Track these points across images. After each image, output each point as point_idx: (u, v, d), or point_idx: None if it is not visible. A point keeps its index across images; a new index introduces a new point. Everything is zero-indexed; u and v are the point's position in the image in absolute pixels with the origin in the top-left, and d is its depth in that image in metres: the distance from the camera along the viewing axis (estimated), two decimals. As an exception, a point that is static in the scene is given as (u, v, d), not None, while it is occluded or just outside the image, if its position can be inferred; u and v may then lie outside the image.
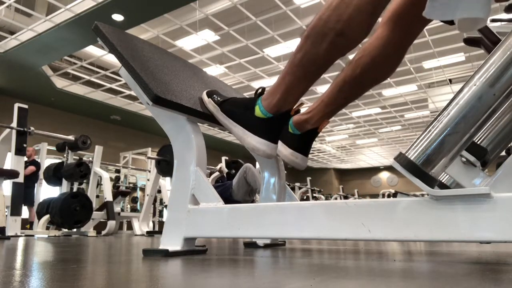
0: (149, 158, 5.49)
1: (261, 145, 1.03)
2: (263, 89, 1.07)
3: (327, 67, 0.93)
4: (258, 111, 1.02)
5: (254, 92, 1.07)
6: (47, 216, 4.47)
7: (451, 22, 0.83)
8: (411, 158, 0.77)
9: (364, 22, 0.84)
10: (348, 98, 1.16)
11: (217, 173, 6.36)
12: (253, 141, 1.04)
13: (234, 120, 1.09)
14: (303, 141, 1.22)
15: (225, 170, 5.02)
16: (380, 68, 1.09)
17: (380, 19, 1.02)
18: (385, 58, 1.07)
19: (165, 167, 5.10)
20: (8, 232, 3.63)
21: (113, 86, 9.73)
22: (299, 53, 0.93)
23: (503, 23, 1.43)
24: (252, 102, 1.05)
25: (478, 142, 1.34)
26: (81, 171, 5.00)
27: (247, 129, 1.05)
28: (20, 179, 3.93)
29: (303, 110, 1.22)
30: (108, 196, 5.46)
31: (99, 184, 7.57)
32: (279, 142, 1.20)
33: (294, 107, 1.06)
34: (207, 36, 7.66)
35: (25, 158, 4.51)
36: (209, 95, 1.23)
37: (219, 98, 1.18)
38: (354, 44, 0.90)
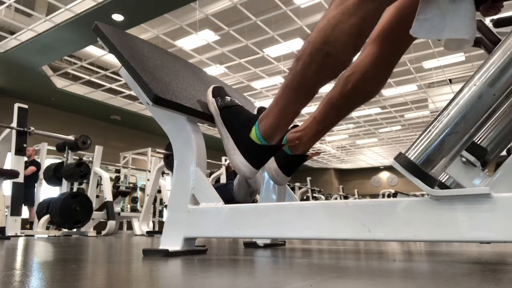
0: (158, 152, 5.46)
1: (244, 167, 1.04)
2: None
3: (318, 89, 0.94)
4: (253, 134, 1.03)
5: (255, 92, 1.07)
6: (47, 216, 4.47)
7: (438, 39, 0.84)
8: (411, 158, 0.77)
9: (350, 44, 0.85)
10: (339, 115, 1.17)
11: (218, 172, 6.37)
12: (238, 161, 1.05)
13: (229, 131, 1.09)
14: (290, 162, 1.23)
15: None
16: (370, 84, 1.11)
17: (369, 37, 1.04)
18: (376, 74, 1.09)
19: (173, 161, 5.11)
20: (8, 232, 3.63)
21: (113, 86, 9.73)
22: (291, 76, 0.94)
23: (503, 23, 1.43)
24: (252, 120, 1.05)
25: (478, 142, 1.34)
26: (81, 171, 5.00)
27: (238, 146, 1.06)
28: (20, 179, 3.93)
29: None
30: (108, 196, 5.46)
31: (99, 184, 7.57)
32: None
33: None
34: (207, 36, 7.66)
35: (25, 158, 4.51)
36: (214, 94, 1.21)
37: (222, 103, 1.17)
38: (342, 65, 0.92)
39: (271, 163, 1.23)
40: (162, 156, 5.19)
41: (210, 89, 1.24)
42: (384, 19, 1.04)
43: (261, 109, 1.09)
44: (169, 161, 5.16)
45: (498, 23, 1.18)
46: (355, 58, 0.98)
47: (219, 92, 1.22)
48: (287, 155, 1.22)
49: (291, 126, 1.13)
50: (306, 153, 1.22)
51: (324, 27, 0.86)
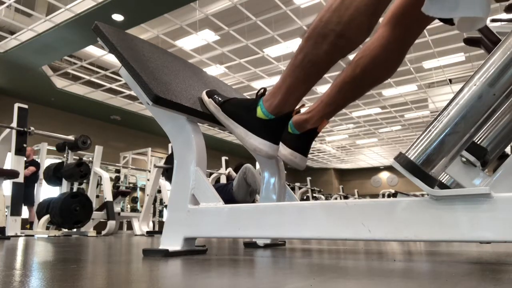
0: (156, 167, 5.51)
1: (263, 146, 1.03)
2: (265, 89, 1.07)
3: (328, 68, 0.93)
4: (260, 112, 1.02)
5: (255, 92, 1.07)
6: (47, 216, 4.47)
7: (451, 23, 0.82)
8: (411, 158, 0.77)
9: (364, 24, 0.84)
10: (348, 98, 1.16)
11: (218, 172, 6.37)
12: (256, 142, 1.04)
13: (236, 121, 1.09)
14: (302, 141, 1.22)
15: (234, 174, 5.05)
16: (380, 69, 1.09)
17: (381, 20, 1.02)
18: (385, 59, 1.07)
19: (172, 175, 5.14)
20: (8, 232, 3.63)
21: (113, 86, 9.73)
22: (300, 55, 0.92)
23: (503, 23, 1.43)
24: (254, 103, 1.05)
25: (478, 142, 1.34)
26: (81, 171, 5.00)
27: (249, 130, 1.05)
28: (20, 179, 3.93)
29: (303, 110, 1.22)
30: (108, 196, 5.46)
31: (99, 184, 7.57)
32: None
33: (296, 108, 1.06)
34: (207, 36, 7.66)
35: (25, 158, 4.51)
36: (209, 95, 1.22)
37: (220, 99, 1.17)
38: (354, 45, 0.90)
39: (284, 150, 1.22)
40: (162, 156, 5.21)
41: (204, 93, 1.25)
42: (397, 1, 1.02)
43: (260, 91, 1.07)
44: (168, 173, 5.18)
45: (510, 8, 1.17)
46: (365, 42, 0.97)
47: (213, 92, 1.24)
48: (296, 136, 1.21)
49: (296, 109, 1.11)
50: (316, 127, 1.20)
51: (337, 6, 0.84)
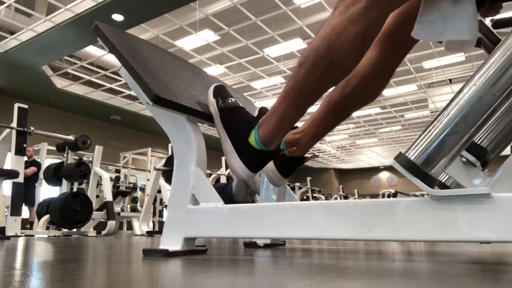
0: (156, 169, 5.51)
1: (240, 171, 1.04)
2: (267, 109, 1.07)
3: (320, 95, 0.94)
4: (252, 138, 1.02)
5: (255, 92, 1.07)
6: (47, 216, 4.47)
7: (440, 41, 0.84)
8: (411, 158, 0.77)
9: (354, 51, 0.85)
10: (338, 117, 1.17)
11: (218, 172, 6.37)
12: (236, 164, 1.04)
13: (228, 133, 1.08)
14: (288, 164, 1.23)
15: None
16: (371, 87, 1.11)
17: None
18: (375, 77, 1.09)
19: (171, 176, 5.15)
20: (8, 232, 3.63)
21: (113, 86, 9.73)
22: (293, 82, 0.93)
23: (503, 23, 1.43)
24: (252, 124, 1.04)
25: (478, 142, 1.34)
26: (81, 171, 5.00)
27: (236, 150, 1.05)
28: (20, 179, 3.93)
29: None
30: (108, 196, 5.46)
31: (99, 184, 7.57)
32: None
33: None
34: (207, 36, 7.66)
35: (25, 158, 4.51)
36: (216, 94, 1.20)
37: (222, 104, 1.15)
38: (346, 72, 0.91)
39: (269, 163, 1.22)
40: (162, 156, 5.22)
41: (212, 88, 1.22)
42: (385, 23, 1.04)
43: (262, 110, 1.08)
44: (167, 175, 5.18)
45: (497, 24, 1.18)
46: None
47: (220, 92, 1.20)
48: (285, 156, 1.22)
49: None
50: (304, 155, 1.22)
51: (328, 34, 0.85)
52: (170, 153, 5.79)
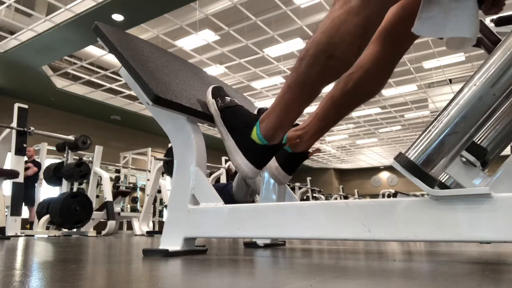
0: (156, 159, 5.50)
1: (245, 168, 1.04)
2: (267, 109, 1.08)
3: (321, 89, 0.94)
4: (254, 134, 1.02)
5: (255, 92, 1.07)
6: (47, 216, 4.47)
7: (441, 38, 0.84)
8: (411, 158, 0.77)
9: (354, 45, 0.85)
10: (340, 113, 1.17)
11: (218, 172, 6.37)
12: (240, 161, 1.04)
13: (230, 132, 1.09)
14: (291, 160, 1.23)
15: (233, 168, 5.05)
16: (372, 83, 1.11)
17: None
18: (376, 73, 1.09)
19: (172, 167, 5.14)
20: (8, 232, 3.63)
21: (113, 86, 9.73)
22: (294, 75, 0.93)
23: (503, 23, 1.43)
24: (253, 120, 1.05)
25: (478, 142, 1.34)
26: (81, 171, 5.00)
27: (239, 147, 1.05)
28: (20, 179, 3.93)
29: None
30: (108, 196, 5.46)
31: (99, 184, 7.57)
32: None
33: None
34: (207, 36, 7.66)
35: (26, 158, 4.51)
36: (214, 94, 1.20)
37: (222, 104, 1.16)
38: (346, 66, 0.91)
39: (272, 161, 1.22)
40: (162, 156, 5.23)
41: (210, 89, 1.23)
42: (386, 18, 1.04)
43: (261, 110, 1.08)
44: (168, 166, 5.18)
45: (500, 22, 1.18)
46: None
47: (219, 92, 1.21)
48: (287, 153, 1.21)
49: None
50: (307, 151, 1.22)
51: (328, 28, 0.85)
52: (170, 145, 5.76)
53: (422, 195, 0.86)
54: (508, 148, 1.46)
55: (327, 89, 1.12)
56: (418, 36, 0.93)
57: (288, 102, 0.97)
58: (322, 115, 1.15)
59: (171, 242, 1.09)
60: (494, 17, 1.36)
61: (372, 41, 1.07)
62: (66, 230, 4.72)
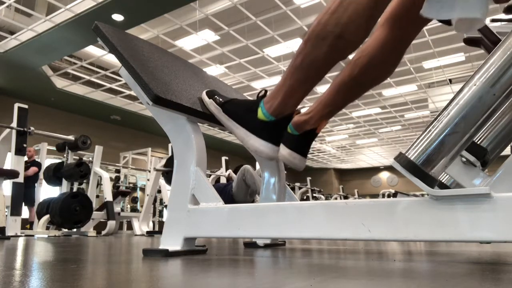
0: (156, 170, 5.51)
1: (264, 148, 1.05)
2: (266, 91, 1.08)
3: (328, 70, 0.94)
4: (260, 114, 1.04)
5: (255, 92, 1.08)
6: (47, 216, 4.47)
7: (448, 23, 0.83)
8: (411, 158, 0.77)
9: (362, 25, 0.85)
10: (347, 99, 1.16)
11: (218, 172, 6.37)
12: (256, 144, 1.06)
13: (237, 121, 1.11)
14: (301, 142, 1.22)
15: (234, 176, 5.05)
16: (378, 69, 1.09)
17: (378, 20, 1.02)
18: (383, 59, 1.07)
19: (172, 177, 5.17)
20: (8, 232, 3.63)
21: (113, 86, 9.73)
22: (300, 57, 0.94)
23: (503, 23, 1.43)
24: (255, 104, 1.06)
25: (478, 142, 1.34)
26: (81, 171, 5.00)
27: (250, 131, 1.07)
28: (20, 179, 3.93)
29: (303, 110, 1.22)
30: (108, 196, 5.46)
31: (99, 184, 7.57)
32: None
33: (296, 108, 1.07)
34: (207, 36, 7.66)
35: (26, 158, 4.51)
36: (210, 95, 1.23)
37: (221, 100, 1.18)
38: (353, 46, 0.91)
39: (283, 150, 1.21)
40: (162, 156, 5.23)
41: (204, 93, 1.26)
42: (394, 2, 1.03)
43: (261, 92, 1.08)
44: (168, 176, 5.19)
45: (509, 9, 1.17)
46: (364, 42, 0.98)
47: (213, 93, 1.24)
48: (296, 136, 1.21)
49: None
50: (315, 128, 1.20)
51: (335, 8, 0.85)
52: (170, 154, 5.79)
53: (422, 195, 0.86)
54: (508, 148, 1.46)
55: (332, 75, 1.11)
56: (426, 22, 0.93)
57: (293, 83, 0.98)
58: (328, 102, 1.15)
59: (171, 242, 1.09)
60: (493, 18, 1.36)
61: (380, 26, 1.06)
62: (66, 230, 4.72)
